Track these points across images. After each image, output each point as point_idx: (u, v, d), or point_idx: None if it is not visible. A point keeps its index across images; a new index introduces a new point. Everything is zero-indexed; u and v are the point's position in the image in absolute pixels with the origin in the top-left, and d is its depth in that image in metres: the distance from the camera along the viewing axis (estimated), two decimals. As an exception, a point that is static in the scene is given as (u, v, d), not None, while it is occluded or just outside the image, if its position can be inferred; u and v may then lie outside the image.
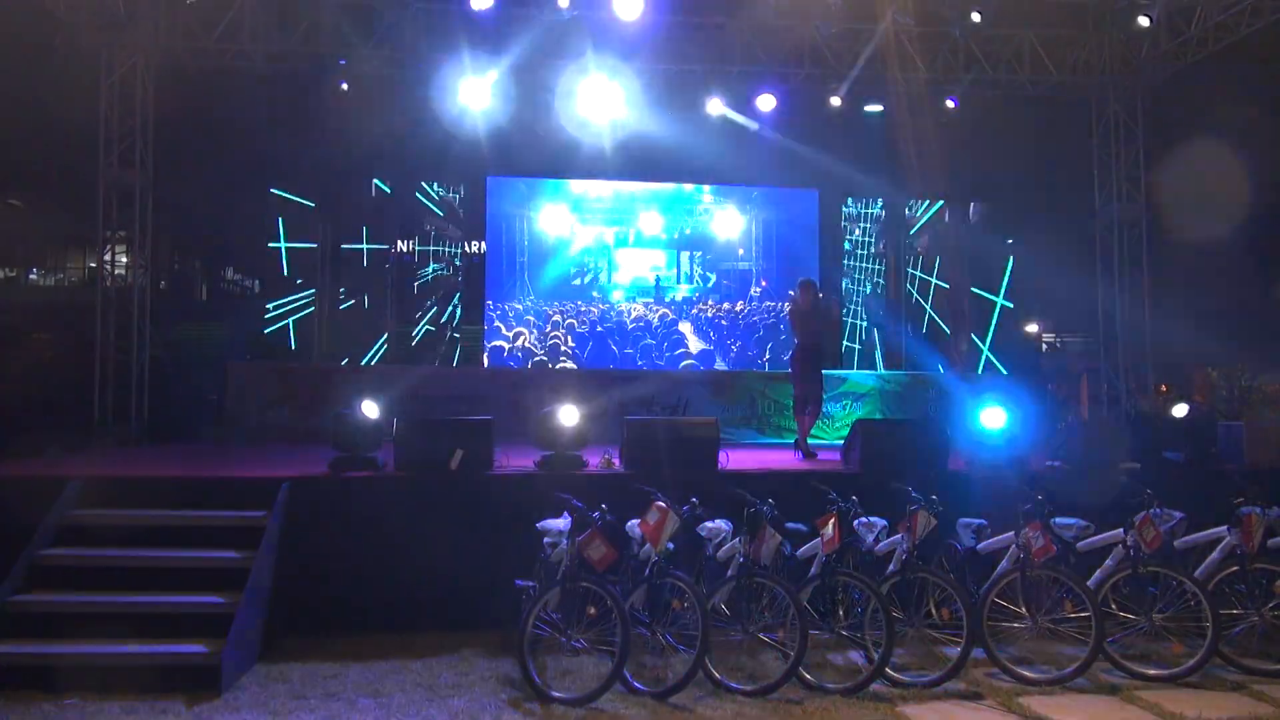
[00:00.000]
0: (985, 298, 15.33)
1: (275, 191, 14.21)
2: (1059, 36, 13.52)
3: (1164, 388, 20.38)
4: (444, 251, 14.45)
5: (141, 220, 12.12)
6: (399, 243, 14.86)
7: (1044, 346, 24.66)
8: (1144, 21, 11.83)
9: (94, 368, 11.80)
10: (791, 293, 9.46)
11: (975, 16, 11.88)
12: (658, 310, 14.90)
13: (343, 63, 11.99)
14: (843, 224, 14.67)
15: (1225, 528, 6.04)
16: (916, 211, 15.29)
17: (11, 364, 15.75)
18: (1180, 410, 8.26)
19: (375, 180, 14.57)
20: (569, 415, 7.12)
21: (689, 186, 14.87)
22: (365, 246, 14.11)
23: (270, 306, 14.12)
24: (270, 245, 13.89)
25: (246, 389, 11.78)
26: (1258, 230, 18.83)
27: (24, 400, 13.89)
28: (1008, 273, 15.23)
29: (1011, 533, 5.97)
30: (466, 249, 15.29)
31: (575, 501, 5.56)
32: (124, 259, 12.60)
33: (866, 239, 15.16)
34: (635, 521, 5.72)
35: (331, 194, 14.40)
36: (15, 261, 24.80)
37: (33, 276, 25.17)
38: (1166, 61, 12.92)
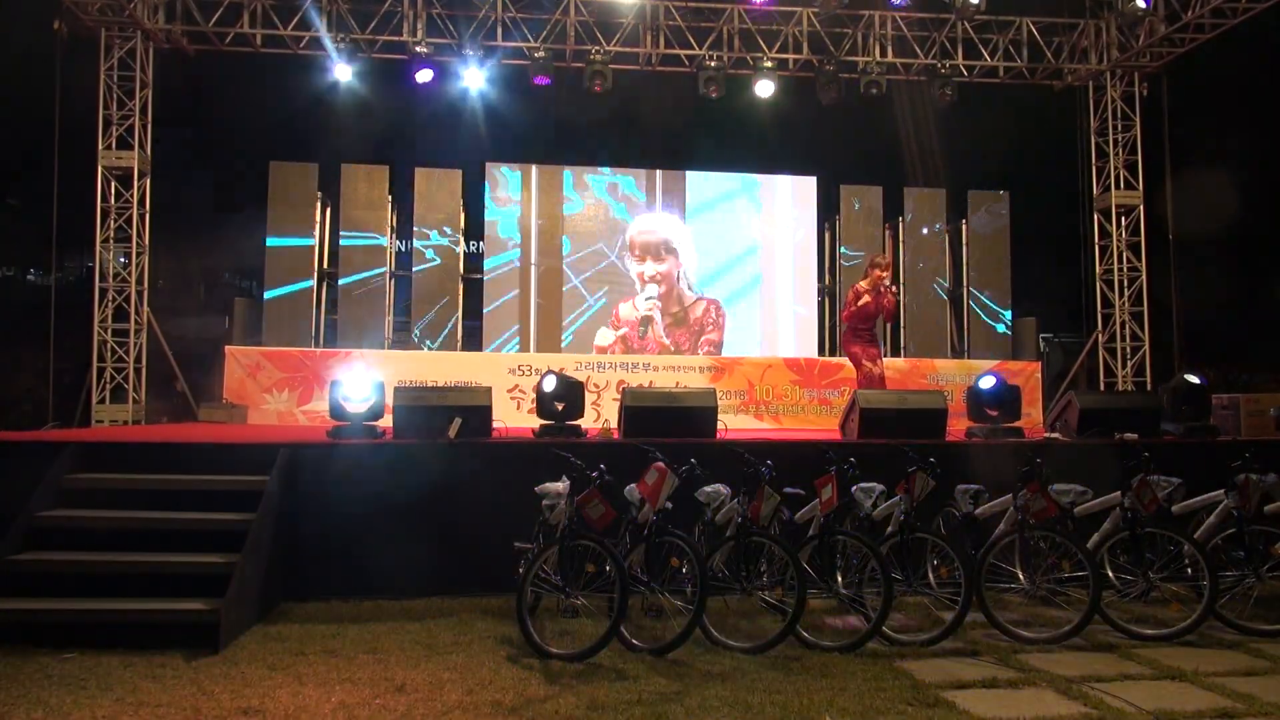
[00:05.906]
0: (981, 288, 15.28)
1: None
2: (1057, 23, 13.58)
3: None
4: (444, 243, 14.35)
5: (139, 203, 12.12)
6: (397, 237, 14.77)
7: (1041, 344, 24.59)
8: (1140, 6, 11.87)
9: (91, 350, 11.79)
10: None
11: (973, 1, 11.91)
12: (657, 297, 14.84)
13: (340, 48, 12.01)
14: (840, 211, 14.63)
15: (1223, 491, 6.05)
16: (914, 198, 15.21)
17: (10, 361, 15.73)
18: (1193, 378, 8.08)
19: (374, 166, 14.50)
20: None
21: (688, 174, 14.83)
22: (365, 237, 14.03)
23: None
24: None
25: (246, 373, 11.80)
26: (1258, 222, 18.78)
27: (22, 394, 13.91)
28: (1005, 263, 15.17)
29: (1010, 495, 5.99)
30: (464, 243, 15.23)
31: (575, 459, 5.56)
32: (122, 248, 12.61)
33: (864, 226, 15.08)
34: (633, 485, 5.73)
35: (330, 182, 14.34)
36: (13, 261, 24.77)
37: (30, 277, 25.14)
38: (1164, 47, 12.98)
